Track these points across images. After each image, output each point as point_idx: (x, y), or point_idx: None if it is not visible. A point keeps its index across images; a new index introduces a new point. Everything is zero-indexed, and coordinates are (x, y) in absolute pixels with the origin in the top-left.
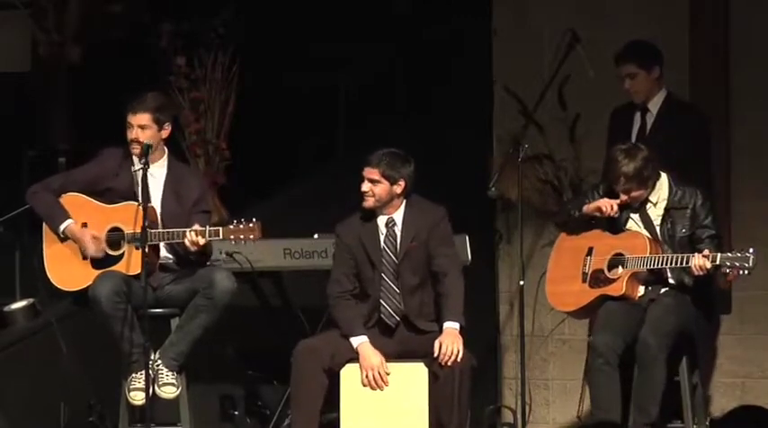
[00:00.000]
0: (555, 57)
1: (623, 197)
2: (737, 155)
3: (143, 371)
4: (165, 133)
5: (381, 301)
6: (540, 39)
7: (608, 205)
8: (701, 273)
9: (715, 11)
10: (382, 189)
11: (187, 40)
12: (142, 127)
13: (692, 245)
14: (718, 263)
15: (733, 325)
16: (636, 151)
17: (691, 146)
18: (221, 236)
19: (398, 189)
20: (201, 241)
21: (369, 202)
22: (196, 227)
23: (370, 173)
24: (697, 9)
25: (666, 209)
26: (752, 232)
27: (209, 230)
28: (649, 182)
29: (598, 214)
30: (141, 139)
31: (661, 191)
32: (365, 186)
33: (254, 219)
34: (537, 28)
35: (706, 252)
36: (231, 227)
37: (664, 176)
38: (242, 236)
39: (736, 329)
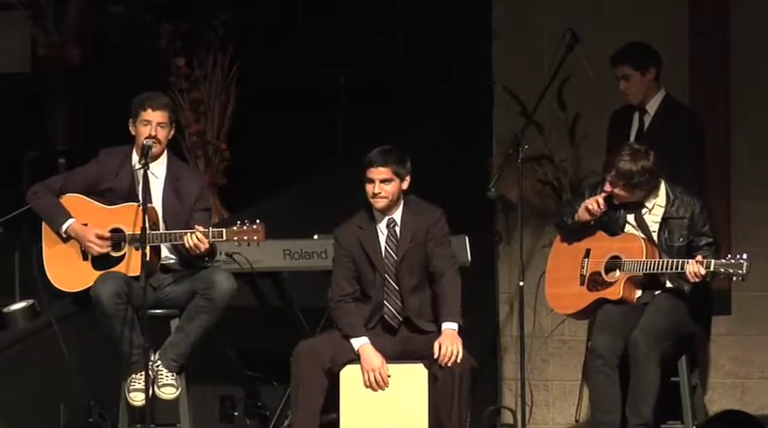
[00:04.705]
0: (555, 58)
1: (608, 188)
2: (737, 155)
3: (143, 372)
4: (172, 133)
5: (384, 302)
6: (539, 39)
7: (593, 203)
8: (697, 280)
9: (715, 11)
10: (394, 186)
11: (187, 41)
12: (161, 124)
13: (690, 253)
14: (712, 269)
15: (733, 325)
16: (641, 156)
17: (684, 146)
18: (225, 238)
19: (405, 185)
20: (204, 244)
21: (383, 203)
22: (199, 228)
23: (380, 173)
24: (697, 9)
25: (664, 219)
26: (752, 232)
27: (213, 231)
28: (637, 190)
29: (588, 217)
30: (159, 137)
31: (657, 199)
32: (377, 188)
33: (257, 221)
34: (537, 28)
35: (699, 257)
36: (235, 228)
37: (662, 184)
38: (246, 238)
39: (736, 330)
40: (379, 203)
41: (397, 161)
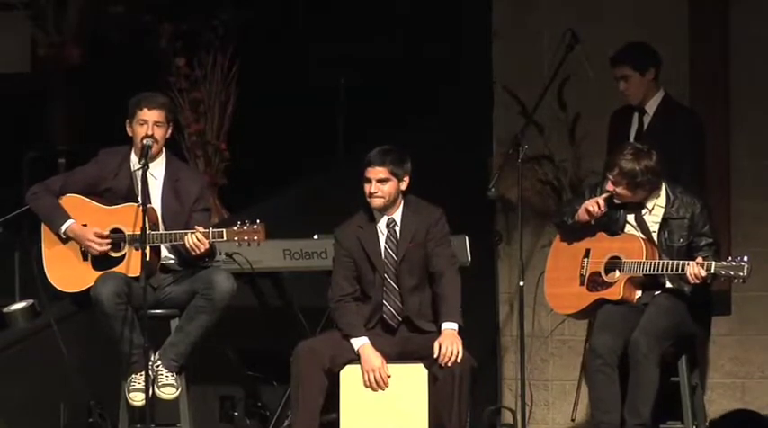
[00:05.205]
0: (555, 58)
1: (609, 187)
2: (737, 155)
3: (143, 372)
4: (169, 133)
5: (384, 302)
6: (540, 39)
7: (593, 204)
8: (697, 281)
9: (715, 11)
10: (391, 186)
11: (187, 41)
12: (157, 123)
13: (690, 253)
14: (713, 271)
15: (733, 325)
16: (644, 156)
17: (684, 146)
18: (225, 238)
19: (404, 185)
20: (204, 245)
21: (379, 202)
22: (199, 229)
23: (377, 172)
24: (697, 9)
25: (664, 219)
26: (752, 232)
27: (213, 232)
28: (639, 190)
29: (588, 218)
30: (156, 136)
31: (658, 199)
32: (373, 187)
33: (257, 221)
34: (537, 28)
35: (700, 259)
36: (235, 228)
37: (662, 184)
38: (246, 238)
39: (736, 330)
40: (376, 203)
41: (394, 161)
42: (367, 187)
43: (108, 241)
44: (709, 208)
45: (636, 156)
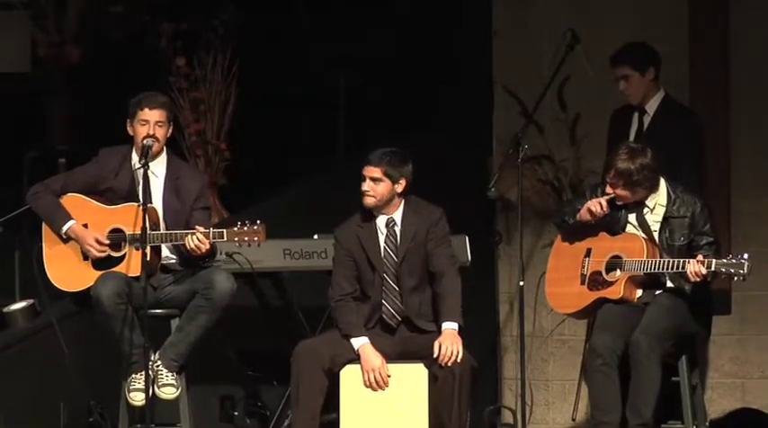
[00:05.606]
0: (555, 57)
1: (609, 190)
2: (737, 155)
3: (143, 372)
4: (170, 132)
5: (383, 302)
6: (540, 39)
7: (596, 204)
8: (698, 279)
9: (715, 10)
10: (384, 187)
11: (187, 41)
12: (158, 123)
13: (690, 252)
14: (713, 269)
15: (733, 325)
16: (638, 154)
17: (683, 146)
18: (225, 239)
19: (400, 188)
20: (205, 245)
21: (369, 201)
22: (200, 229)
23: (372, 171)
24: (696, 9)
25: (665, 218)
26: (752, 232)
27: (214, 232)
28: (638, 188)
29: (590, 218)
30: (157, 136)
31: (659, 197)
32: (366, 185)
33: (258, 222)
34: (537, 28)
35: (700, 257)
36: (235, 229)
37: (663, 183)
38: (246, 239)
39: (736, 329)
40: (366, 201)
41: (391, 163)
42: (363, 185)
43: (105, 249)
44: (710, 207)
45: (630, 155)
